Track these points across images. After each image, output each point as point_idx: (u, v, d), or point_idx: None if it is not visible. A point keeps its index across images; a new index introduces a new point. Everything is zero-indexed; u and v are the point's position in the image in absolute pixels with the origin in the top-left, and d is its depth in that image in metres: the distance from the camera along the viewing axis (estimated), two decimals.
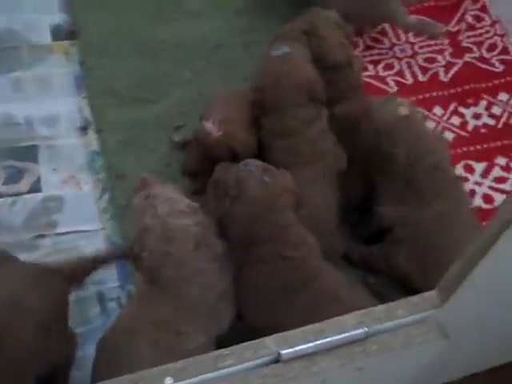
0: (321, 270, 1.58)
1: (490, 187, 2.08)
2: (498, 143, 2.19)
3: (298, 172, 1.70)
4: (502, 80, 2.34)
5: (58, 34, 2.40)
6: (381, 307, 1.19)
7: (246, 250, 1.54)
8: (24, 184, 2.05)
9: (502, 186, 2.08)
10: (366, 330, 1.14)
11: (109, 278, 1.88)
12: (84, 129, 2.16)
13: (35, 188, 2.04)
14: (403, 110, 1.72)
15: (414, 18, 2.37)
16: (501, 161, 2.14)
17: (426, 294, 1.20)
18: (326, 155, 1.81)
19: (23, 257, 1.78)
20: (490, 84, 2.33)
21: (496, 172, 2.11)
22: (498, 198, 2.05)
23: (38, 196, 2.03)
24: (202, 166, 1.83)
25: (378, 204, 1.79)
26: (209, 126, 1.81)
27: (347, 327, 1.15)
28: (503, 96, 2.30)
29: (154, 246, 1.42)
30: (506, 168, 2.12)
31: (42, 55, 2.33)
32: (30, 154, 2.10)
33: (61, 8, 2.46)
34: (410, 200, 1.74)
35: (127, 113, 2.13)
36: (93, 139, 2.12)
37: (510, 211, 0.97)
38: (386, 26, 2.50)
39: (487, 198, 2.05)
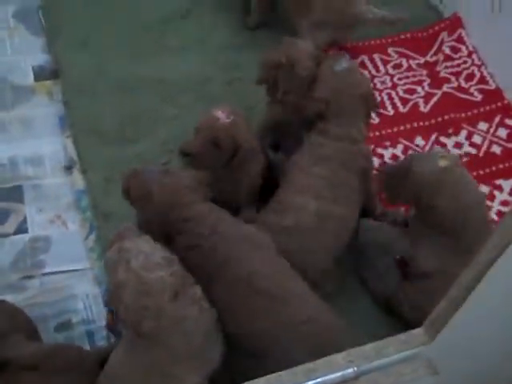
0: (233, 258, 1.62)
1: None
2: (481, 172, 2.22)
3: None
4: (481, 109, 2.39)
5: (40, 74, 2.42)
6: (370, 345, 1.20)
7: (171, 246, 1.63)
8: (10, 225, 2.05)
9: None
10: (356, 369, 1.15)
11: (99, 317, 1.88)
12: (69, 168, 2.17)
13: (22, 229, 2.04)
14: (443, 162, 1.72)
15: (379, 11, 2.42)
16: (484, 189, 2.17)
17: (415, 331, 1.22)
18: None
19: (11, 298, 1.80)
20: (470, 113, 2.37)
21: None
22: None
23: (25, 237, 2.03)
24: (202, 149, 1.83)
25: (418, 250, 1.81)
26: (218, 113, 1.84)
27: (337, 367, 1.16)
28: (483, 125, 2.34)
29: (129, 301, 1.40)
30: (489, 197, 2.15)
31: (24, 96, 2.36)
32: (15, 194, 2.11)
33: (43, 49, 2.49)
34: (456, 252, 1.71)
35: (111, 151, 2.15)
36: (78, 178, 2.13)
37: (490, 253, 0.99)
38: (365, 58, 2.54)
39: None
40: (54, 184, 2.14)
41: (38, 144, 2.23)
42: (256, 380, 1.14)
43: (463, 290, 1.06)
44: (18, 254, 1.99)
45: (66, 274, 1.96)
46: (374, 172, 2.00)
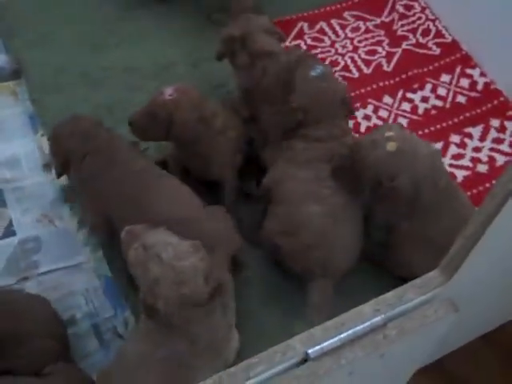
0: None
1: (450, 165, 2.18)
2: (450, 122, 2.30)
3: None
4: (442, 62, 2.47)
5: (1, 75, 2.37)
6: (391, 293, 1.24)
7: None
8: None
9: (460, 163, 2.20)
10: (383, 316, 1.20)
11: (102, 309, 1.88)
12: (48, 165, 2.14)
13: (9, 232, 2.01)
14: (391, 146, 1.71)
15: None
16: (455, 138, 2.25)
17: (430, 274, 1.27)
18: None
19: None
20: (431, 67, 2.45)
21: (452, 150, 2.23)
22: (459, 175, 2.17)
23: (14, 240, 2.00)
24: (140, 120, 1.89)
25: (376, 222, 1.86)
26: (166, 89, 1.87)
27: (365, 317, 1.20)
28: (445, 77, 2.42)
29: (169, 293, 1.41)
30: (460, 144, 2.24)
31: None
32: None
33: (0, 49, 2.43)
34: (417, 217, 1.77)
35: None
36: None
37: (504, 187, 1.05)
38: (324, 24, 2.58)
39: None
40: (35, 184, 2.11)
41: (11, 146, 2.19)
42: (290, 340, 1.18)
43: (479, 226, 1.12)
44: (9, 258, 1.96)
45: (62, 270, 1.95)
46: None
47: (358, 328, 1.19)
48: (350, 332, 1.19)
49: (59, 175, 1.94)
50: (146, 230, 1.52)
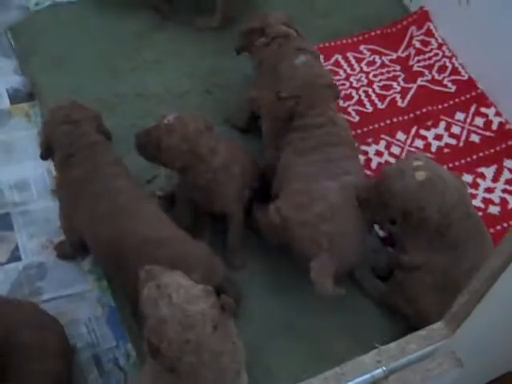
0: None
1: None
2: (462, 161, 2.28)
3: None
4: (457, 100, 2.45)
5: (16, 96, 2.39)
6: (393, 344, 1.22)
7: None
8: (2, 254, 2.02)
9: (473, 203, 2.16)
10: (384, 369, 1.17)
11: (103, 339, 1.87)
12: None
13: (15, 257, 2.01)
14: (421, 176, 1.70)
15: None
16: (467, 178, 2.23)
17: (435, 326, 1.25)
18: None
19: None
20: (446, 105, 2.43)
21: None
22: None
23: (19, 265, 2.00)
24: (140, 138, 1.89)
25: (402, 251, 1.83)
26: (171, 115, 1.87)
27: (366, 368, 1.18)
28: (460, 116, 2.40)
29: (173, 336, 1.38)
30: (473, 184, 2.21)
31: (1, 120, 2.32)
32: (4, 222, 2.08)
33: (16, 71, 2.45)
34: (441, 247, 1.75)
35: None
36: None
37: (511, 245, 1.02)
38: (339, 57, 2.58)
39: None
40: (42, 208, 2.12)
41: (22, 168, 2.20)
42: None
43: (484, 283, 1.09)
44: (13, 283, 1.96)
45: (66, 298, 1.94)
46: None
47: (358, 380, 1.17)
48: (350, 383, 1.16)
49: (42, 158, 1.94)
50: (164, 271, 1.51)
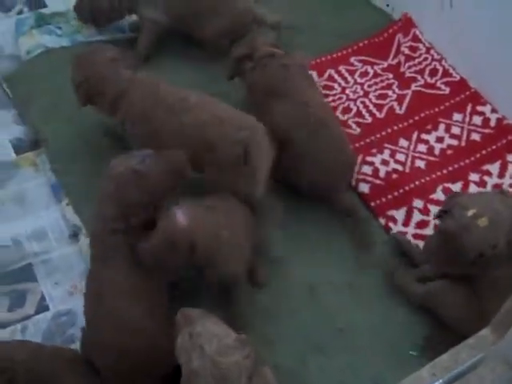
0: None
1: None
2: (467, 161, 2.33)
3: None
4: (452, 101, 2.50)
5: (20, 147, 2.40)
6: (445, 356, 1.25)
7: None
8: (29, 306, 2.02)
9: None
10: (441, 381, 1.21)
11: None
12: (75, 235, 2.15)
13: (42, 307, 2.02)
14: (483, 222, 1.71)
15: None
16: (474, 177, 2.28)
17: (481, 333, 1.28)
18: None
19: None
20: (443, 107, 2.48)
21: (473, 189, 2.25)
22: None
23: (48, 314, 2.01)
24: (159, 252, 1.72)
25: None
26: (177, 214, 1.74)
27: (424, 382, 1.21)
28: (457, 116, 2.45)
29: None
30: (480, 183, 2.26)
31: (9, 172, 2.33)
32: (26, 273, 2.08)
33: (16, 121, 2.46)
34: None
35: None
36: (86, 244, 2.10)
37: None
38: (332, 71, 2.62)
39: None
40: (63, 255, 2.13)
41: (36, 218, 2.21)
42: None
43: None
44: (44, 334, 1.97)
45: None
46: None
47: None
48: None
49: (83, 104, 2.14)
50: (200, 316, 1.51)
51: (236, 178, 1.97)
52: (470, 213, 1.73)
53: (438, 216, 1.82)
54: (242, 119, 2.03)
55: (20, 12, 2.79)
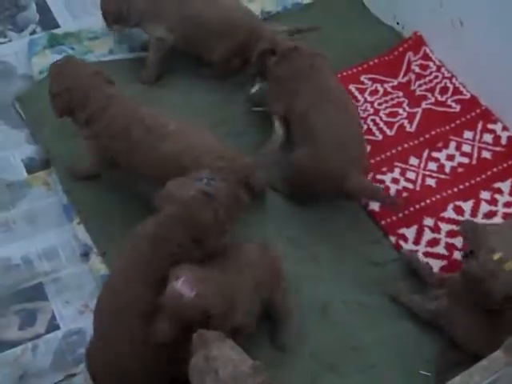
0: None
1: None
2: (478, 179, 2.32)
3: None
4: (463, 119, 2.50)
5: (32, 166, 2.41)
6: (457, 379, 1.24)
7: None
8: (40, 325, 2.03)
9: (493, 221, 2.20)
10: None
11: None
12: (86, 254, 2.16)
13: (53, 326, 2.02)
14: (509, 266, 1.71)
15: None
16: (485, 195, 2.27)
17: (494, 355, 1.27)
18: None
19: None
20: (453, 125, 2.48)
21: (484, 208, 2.25)
22: None
23: (58, 334, 2.01)
24: (176, 332, 1.62)
25: None
26: (178, 286, 1.61)
27: None
28: (468, 134, 2.45)
29: None
30: (491, 201, 2.26)
31: (21, 191, 2.34)
32: (37, 292, 2.09)
33: (28, 140, 2.48)
34: None
35: (128, 229, 2.13)
36: (97, 263, 2.12)
37: None
38: None
39: None
40: (74, 274, 2.13)
41: (48, 237, 2.22)
42: None
43: None
44: (55, 353, 1.97)
45: None
46: None
47: None
48: None
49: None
50: (217, 339, 1.49)
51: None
52: (497, 256, 1.71)
53: (465, 256, 1.81)
54: (220, 149, 2.05)
55: (33, 32, 2.81)
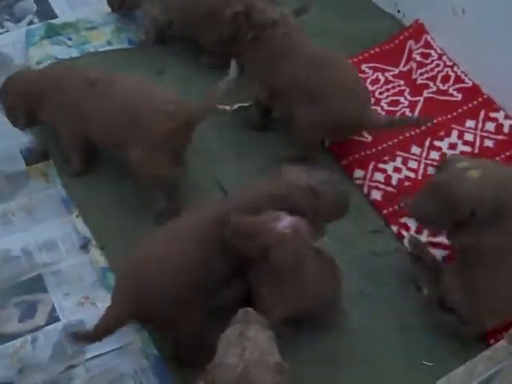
0: None
1: None
2: None
3: None
4: (465, 107, 2.48)
5: (30, 157, 2.39)
6: (461, 369, 1.23)
7: None
8: (40, 317, 2.01)
9: None
10: None
11: None
12: (85, 247, 2.14)
13: (53, 318, 2.01)
14: (475, 174, 1.75)
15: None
16: None
17: (498, 345, 1.26)
18: None
19: None
20: (455, 114, 2.46)
21: None
22: None
23: (58, 325, 1.99)
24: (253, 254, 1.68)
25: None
26: (284, 219, 1.65)
27: None
28: (470, 123, 2.43)
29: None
30: None
31: (20, 183, 2.32)
32: (36, 284, 2.07)
33: (26, 130, 2.45)
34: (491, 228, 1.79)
35: (127, 222, 2.13)
36: (97, 255, 2.10)
37: None
38: None
39: None
40: (73, 266, 2.12)
41: (47, 229, 2.20)
42: None
43: None
44: (55, 345, 1.95)
45: (109, 354, 1.93)
46: None
47: None
48: None
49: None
50: (259, 322, 1.50)
51: (160, 157, 2.00)
52: (462, 165, 1.77)
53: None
54: (170, 96, 2.06)
55: (30, 23, 2.79)
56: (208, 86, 2.49)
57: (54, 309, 2.03)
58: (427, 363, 1.84)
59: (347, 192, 1.87)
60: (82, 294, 2.06)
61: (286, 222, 1.64)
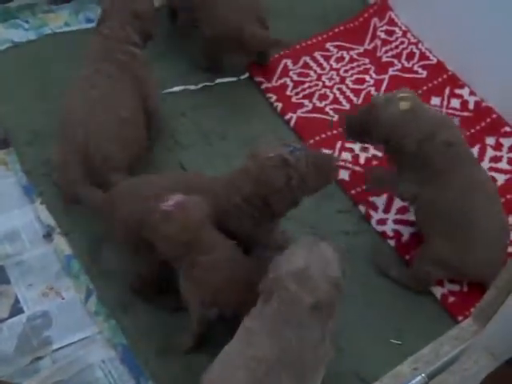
0: None
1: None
2: None
3: None
4: (430, 84, 2.47)
5: None
6: (427, 349, 1.23)
7: None
8: (3, 309, 1.96)
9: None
10: (424, 375, 1.18)
11: (121, 380, 1.83)
12: (48, 235, 2.09)
13: (16, 310, 1.96)
14: (405, 105, 1.86)
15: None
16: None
17: (463, 324, 1.25)
18: None
19: None
20: (420, 91, 2.45)
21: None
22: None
23: (22, 317, 1.95)
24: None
25: (400, 178, 1.96)
26: (173, 197, 1.67)
27: (405, 378, 1.18)
28: (436, 100, 2.42)
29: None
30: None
31: None
32: None
33: None
34: (427, 179, 1.87)
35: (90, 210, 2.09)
36: (61, 243, 2.06)
37: None
38: (307, 58, 2.57)
39: None
40: (37, 256, 2.06)
41: (9, 218, 2.14)
42: None
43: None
44: (20, 337, 1.90)
45: (76, 344, 1.90)
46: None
47: None
48: None
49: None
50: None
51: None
52: (401, 94, 1.91)
53: None
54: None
55: None
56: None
57: (17, 300, 1.98)
58: (395, 341, 1.84)
59: (328, 155, 1.93)
60: (46, 284, 2.01)
61: (171, 201, 1.66)
